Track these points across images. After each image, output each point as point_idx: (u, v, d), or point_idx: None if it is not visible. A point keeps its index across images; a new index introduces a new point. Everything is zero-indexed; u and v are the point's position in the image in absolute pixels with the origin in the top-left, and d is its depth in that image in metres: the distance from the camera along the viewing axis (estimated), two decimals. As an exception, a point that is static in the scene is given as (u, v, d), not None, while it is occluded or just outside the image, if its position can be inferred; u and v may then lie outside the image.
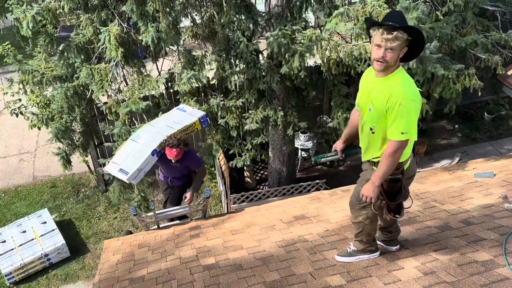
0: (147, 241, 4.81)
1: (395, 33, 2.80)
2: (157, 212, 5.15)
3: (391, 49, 2.84)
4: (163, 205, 6.06)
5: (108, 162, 5.13)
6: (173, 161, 5.11)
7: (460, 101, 9.70)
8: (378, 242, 3.74)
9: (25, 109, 7.67)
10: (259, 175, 9.70)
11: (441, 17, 5.83)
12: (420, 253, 3.63)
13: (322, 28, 6.35)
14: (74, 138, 6.98)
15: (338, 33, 7.30)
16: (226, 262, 4.01)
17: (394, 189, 3.16)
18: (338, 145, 3.76)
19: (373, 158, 3.25)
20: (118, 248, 4.77)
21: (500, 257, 3.36)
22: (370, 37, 3.00)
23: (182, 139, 5.02)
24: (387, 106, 2.93)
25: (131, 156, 4.95)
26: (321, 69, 5.93)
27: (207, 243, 4.52)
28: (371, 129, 3.12)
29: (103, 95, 6.44)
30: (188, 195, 5.27)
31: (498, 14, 6.43)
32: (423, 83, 6.07)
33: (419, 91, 6.03)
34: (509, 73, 5.47)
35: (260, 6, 7.09)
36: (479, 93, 5.92)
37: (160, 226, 5.25)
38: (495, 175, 5.32)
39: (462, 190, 5.02)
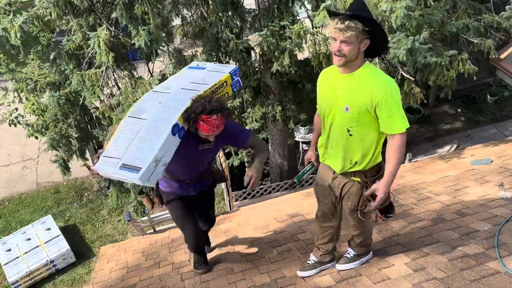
0: (141, 247, 4.80)
1: (347, 22, 2.57)
2: (152, 216, 5.15)
3: (346, 42, 2.61)
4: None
5: (98, 157, 3.07)
6: (211, 139, 3.18)
7: (461, 85, 9.60)
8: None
9: (22, 118, 7.69)
10: (261, 170, 9.63)
11: (432, 2, 5.70)
12: (412, 249, 3.57)
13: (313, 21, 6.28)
14: (71, 144, 6.98)
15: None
16: (218, 266, 3.98)
17: None
18: (311, 155, 3.40)
19: (352, 167, 2.97)
20: (113, 255, 4.78)
21: (492, 250, 3.30)
22: None
23: (221, 101, 3.17)
24: (373, 102, 2.68)
25: (137, 141, 3.00)
26: (312, 63, 5.84)
27: (200, 247, 4.50)
28: (348, 130, 2.85)
29: (95, 100, 6.42)
30: (251, 176, 3.32)
31: (490, -4, 6.29)
32: (416, 72, 5.96)
33: (413, 79, 5.93)
34: (502, 56, 5.34)
35: (250, 0, 7.03)
36: (474, 78, 5.80)
37: (156, 230, 5.24)
38: (492, 161, 5.23)
39: (458, 179, 4.95)
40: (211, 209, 4.02)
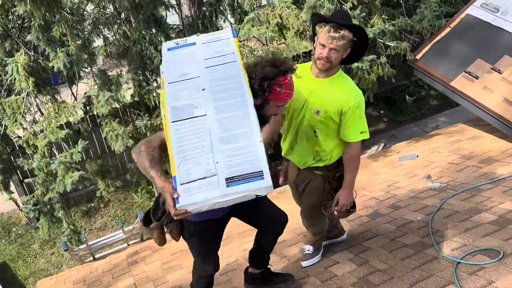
0: (82, 276, 4.59)
1: (342, 31, 2.70)
2: (90, 243, 4.95)
3: (336, 50, 2.74)
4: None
5: (177, 190, 2.15)
6: (279, 112, 2.61)
7: (382, 88, 10.10)
8: (330, 241, 3.77)
9: None
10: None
11: (349, 11, 5.99)
12: (354, 244, 3.70)
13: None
14: (-7, 177, 6.59)
15: (256, 38, 7.33)
16: (166, 285, 3.90)
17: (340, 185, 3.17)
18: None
19: (315, 163, 3.11)
20: (52, 288, 4.54)
21: (428, 238, 3.48)
22: (315, 34, 2.89)
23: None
24: (343, 110, 2.87)
25: (219, 145, 2.25)
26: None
27: (145, 268, 4.38)
28: (315, 131, 3.00)
29: (18, 128, 6.11)
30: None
31: (401, 1, 6.70)
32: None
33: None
34: (417, 57, 5.72)
35: (174, 17, 7.02)
36: (393, 80, 6.14)
37: (96, 257, 5.04)
38: (417, 156, 5.54)
39: (389, 175, 5.18)
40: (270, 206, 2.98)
